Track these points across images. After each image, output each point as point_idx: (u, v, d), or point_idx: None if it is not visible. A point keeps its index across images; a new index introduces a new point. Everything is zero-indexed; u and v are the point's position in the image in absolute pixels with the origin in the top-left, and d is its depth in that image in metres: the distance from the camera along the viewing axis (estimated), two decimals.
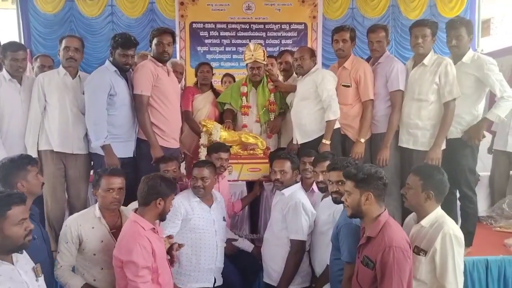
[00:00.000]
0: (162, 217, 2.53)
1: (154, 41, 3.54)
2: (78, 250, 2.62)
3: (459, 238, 2.36)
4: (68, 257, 2.59)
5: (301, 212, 2.91)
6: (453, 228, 2.37)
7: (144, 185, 2.46)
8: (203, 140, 3.90)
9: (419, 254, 2.39)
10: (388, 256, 2.11)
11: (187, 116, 4.24)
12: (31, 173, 2.41)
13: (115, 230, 2.64)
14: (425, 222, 2.43)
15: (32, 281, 1.97)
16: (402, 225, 2.60)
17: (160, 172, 3.10)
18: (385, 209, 2.32)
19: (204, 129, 3.88)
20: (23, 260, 2.02)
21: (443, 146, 3.47)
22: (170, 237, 2.75)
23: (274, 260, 3.02)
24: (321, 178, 2.95)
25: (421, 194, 2.43)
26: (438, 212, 2.45)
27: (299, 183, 3.17)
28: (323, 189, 3.02)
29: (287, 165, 3.06)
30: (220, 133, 3.85)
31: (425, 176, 2.43)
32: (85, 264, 2.62)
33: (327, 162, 2.92)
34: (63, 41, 3.46)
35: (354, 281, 2.36)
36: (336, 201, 2.67)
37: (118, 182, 2.65)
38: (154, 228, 2.47)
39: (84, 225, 2.60)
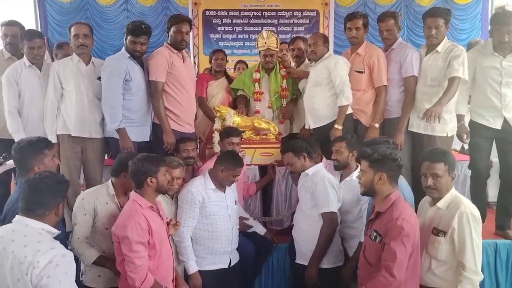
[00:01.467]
0: (161, 191, 2.60)
1: (173, 28, 3.57)
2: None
3: (476, 216, 2.42)
4: (85, 228, 2.65)
5: (327, 185, 3.00)
6: (469, 207, 2.43)
7: (130, 171, 2.54)
8: (217, 125, 3.97)
9: (438, 235, 2.45)
10: (395, 225, 2.22)
11: (201, 102, 4.32)
12: (48, 157, 2.45)
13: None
14: (441, 203, 2.49)
15: None
16: (415, 209, 2.67)
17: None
18: (396, 189, 2.40)
19: (218, 114, 3.95)
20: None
21: None
22: (177, 223, 2.83)
23: (307, 240, 3.07)
24: (335, 156, 3.16)
25: (449, 179, 2.50)
26: (453, 193, 2.52)
27: (321, 163, 3.27)
28: (338, 167, 3.21)
29: (289, 156, 3.19)
30: (233, 119, 3.91)
31: (449, 161, 2.50)
32: (95, 237, 2.68)
33: (344, 142, 3.16)
34: (72, 29, 3.51)
35: (362, 256, 2.45)
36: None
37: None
38: (152, 206, 2.55)
39: (100, 200, 2.69)
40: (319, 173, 3.10)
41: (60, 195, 1.99)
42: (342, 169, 3.24)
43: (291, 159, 3.18)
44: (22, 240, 1.83)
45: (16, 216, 1.92)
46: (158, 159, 2.61)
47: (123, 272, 2.44)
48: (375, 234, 2.33)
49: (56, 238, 1.97)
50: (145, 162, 2.52)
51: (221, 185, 3.07)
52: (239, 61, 5.49)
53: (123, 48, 3.55)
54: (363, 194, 2.46)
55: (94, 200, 2.67)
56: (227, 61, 4.72)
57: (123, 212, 2.52)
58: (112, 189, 2.73)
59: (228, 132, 3.55)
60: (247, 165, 3.85)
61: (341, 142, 3.24)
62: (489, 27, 3.58)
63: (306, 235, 3.09)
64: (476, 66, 3.55)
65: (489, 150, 3.67)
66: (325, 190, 2.99)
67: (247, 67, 5.09)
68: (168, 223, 2.75)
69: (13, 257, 1.80)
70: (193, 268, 2.93)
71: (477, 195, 3.65)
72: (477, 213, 2.45)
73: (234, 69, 5.36)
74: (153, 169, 2.52)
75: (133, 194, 2.56)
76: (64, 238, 2.50)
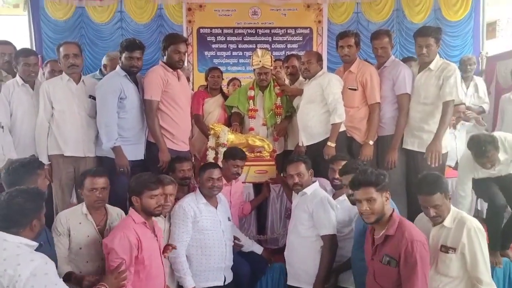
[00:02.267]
0: (147, 212, 2.62)
1: (171, 48, 3.57)
2: None
3: (482, 230, 2.49)
4: (61, 249, 2.65)
5: (329, 207, 2.97)
6: (474, 222, 2.50)
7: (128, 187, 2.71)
8: (211, 142, 3.98)
9: (448, 252, 2.48)
10: (411, 250, 2.19)
11: (197, 120, 4.34)
12: (41, 177, 2.50)
13: (101, 226, 2.81)
14: (448, 223, 2.53)
15: None
16: None
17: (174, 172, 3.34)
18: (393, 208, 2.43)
19: (212, 132, 3.96)
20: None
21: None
22: (173, 247, 2.89)
23: (303, 261, 3.03)
24: (337, 175, 3.06)
25: (447, 202, 2.55)
26: (453, 210, 2.58)
27: (317, 182, 3.22)
28: (338, 186, 3.15)
29: (302, 166, 3.11)
30: (228, 136, 3.92)
31: (444, 187, 2.54)
32: (71, 257, 2.71)
33: (344, 162, 3.09)
34: (61, 49, 3.49)
35: (371, 281, 2.41)
36: (353, 203, 2.71)
37: (101, 182, 2.78)
38: (145, 223, 2.62)
39: (72, 220, 2.73)
40: (318, 193, 3.07)
41: (33, 212, 2.00)
42: (340, 188, 3.19)
43: (302, 170, 3.10)
44: (1, 254, 1.85)
45: None
46: (145, 181, 2.64)
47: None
48: (388, 259, 2.29)
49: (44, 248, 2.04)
50: (135, 181, 2.66)
51: (211, 196, 3.09)
52: (233, 78, 5.51)
53: (118, 67, 3.57)
54: (375, 222, 2.34)
55: (66, 221, 2.71)
56: (222, 79, 4.75)
57: (117, 225, 2.68)
58: (86, 208, 2.78)
59: (234, 154, 3.52)
60: (243, 183, 3.85)
61: (343, 160, 3.18)
62: None
63: (300, 257, 3.05)
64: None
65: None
66: (326, 212, 2.95)
67: (241, 84, 5.12)
68: (166, 248, 2.81)
69: None
70: (190, 284, 2.91)
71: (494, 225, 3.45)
72: (481, 227, 2.52)
73: (228, 85, 5.39)
74: (138, 189, 2.62)
75: (130, 209, 2.67)
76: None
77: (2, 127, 3.39)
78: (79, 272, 2.66)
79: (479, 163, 3.25)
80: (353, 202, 2.73)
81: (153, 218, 2.75)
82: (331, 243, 2.95)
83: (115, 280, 2.35)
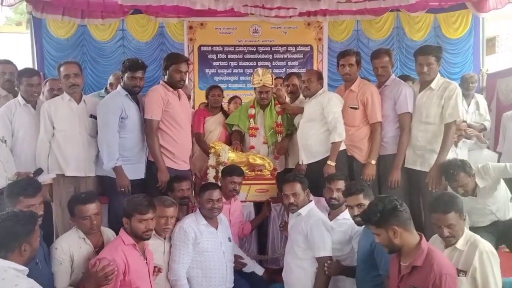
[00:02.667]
0: (136, 236, 2.63)
1: (172, 67, 3.59)
2: None
3: (494, 253, 2.44)
4: (63, 278, 2.59)
5: (323, 229, 2.93)
6: (487, 245, 2.45)
7: None
8: (211, 161, 3.97)
9: (458, 275, 2.40)
10: (440, 285, 2.11)
11: (198, 138, 4.35)
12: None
13: (98, 248, 2.73)
14: (460, 245, 2.49)
15: None
16: None
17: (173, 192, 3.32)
18: (420, 235, 2.30)
19: (213, 150, 3.95)
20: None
21: None
22: (159, 270, 2.86)
23: (300, 283, 2.99)
24: (335, 195, 3.09)
25: (462, 222, 2.51)
26: (467, 232, 2.54)
27: (313, 201, 3.18)
28: (335, 206, 3.14)
29: (298, 186, 3.08)
30: (228, 155, 3.92)
31: (459, 207, 2.50)
32: (73, 281, 2.63)
33: (344, 181, 3.14)
34: (61, 69, 3.50)
35: None
36: (360, 224, 2.77)
37: (92, 208, 2.66)
38: (135, 245, 2.63)
39: (73, 246, 2.64)
40: (313, 214, 3.03)
41: (22, 236, 1.98)
42: (338, 207, 3.19)
43: (298, 189, 3.07)
44: None
45: None
46: (136, 205, 2.64)
47: None
48: None
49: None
50: (127, 202, 2.68)
51: (211, 218, 3.07)
52: (234, 97, 5.53)
53: (119, 86, 3.58)
54: (390, 253, 2.35)
55: (68, 248, 2.62)
56: (223, 97, 4.76)
57: (106, 246, 2.67)
58: (82, 232, 2.70)
59: (231, 170, 3.54)
60: (241, 201, 3.83)
61: (340, 180, 3.20)
62: None
63: (298, 278, 3.01)
64: None
65: None
66: (321, 234, 2.92)
67: (242, 102, 5.13)
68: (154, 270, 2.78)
69: None
70: None
71: None
72: (494, 250, 2.47)
73: (229, 103, 5.40)
74: (129, 212, 2.63)
75: (121, 229, 2.68)
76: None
77: (5, 141, 3.35)
78: None
79: (452, 188, 3.30)
80: (359, 224, 2.77)
81: (145, 242, 2.73)
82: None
83: (100, 273, 2.37)
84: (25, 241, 1.98)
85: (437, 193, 2.67)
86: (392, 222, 2.22)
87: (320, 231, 2.92)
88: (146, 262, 2.68)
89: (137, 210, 2.61)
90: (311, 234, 2.93)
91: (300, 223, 3.02)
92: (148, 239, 2.72)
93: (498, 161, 4.68)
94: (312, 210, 3.07)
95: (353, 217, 2.84)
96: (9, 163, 3.23)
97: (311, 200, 3.17)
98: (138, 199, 2.68)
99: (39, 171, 3.30)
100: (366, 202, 2.64)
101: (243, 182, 3.78)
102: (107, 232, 2.89)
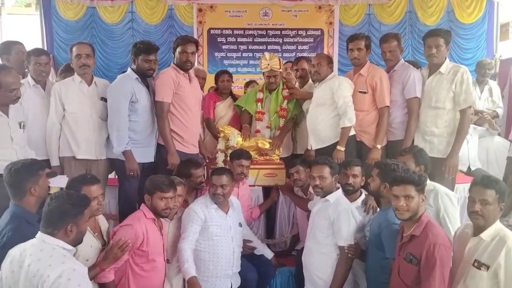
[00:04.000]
0: (155, 213, 2.76)
1: (178, 49, 3.59)
2: None
3: None
4: None
5: (351, 218, 2.89)
6: None
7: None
8: (220, 145, 3.98)
9: (480, 269, 2.29)
10: (432, 252, 2.27)
11: (208, 124, 4.37)
12: (42, 177, 2.47)
13: (97, 233, 2.68)
14: (485, 235, 2.33)
15: None
16: None
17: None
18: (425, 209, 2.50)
19: (222, 134, 3.97)
20: None
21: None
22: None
23: (320, 268, 2.96)
24: (351, 180, 3.12)
25: (497, 209, 2.34)
26: (498, 225, 2.36)
27: (340, 189, 3.12)
28: (350, 192, 3.16)
29: (326, 170, 2.98)
30: (237, 139, 3.94)
31: (501, 190, 2.35)
32: None
33: (360, 167, 3.17)
34: (74, 49, 3.48)
35: (396, 277, 2.49)
36: (349, 193, 3.02)
37: (94, 189, 2.59)
38: (154, 220, 2.76)
39: None
40: (341, 202, 2.96)
41: (69, 216, 2.00)
42: (353, 193, 3.17)
43: (326, 173, 2.97)
44: (37, 254, 1.91)
45: (39, 231, 1.99)
46: (159, 183, 2.76)
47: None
48: (411, 257, 2.38)
49: None
50: (150, 180, 2.80)
51: (217, 202, 3.08)
52: (251, 81, 5.49)
53: (129, 69, 3.56)
54: (408, 219, 2.43)
55: None
56: (232, 82, 4.73)
57: (128, 217, 2.79)
58: None
59: (239, 154, 3.55)
60: (250, 186, 3.84)
61: (357, 166, 3.17)
62: None
63: (318, 263, 2.97)
64: None
65: None
66: (348, 223, 2.86)
67: None
68: None
69: (28, 270, 1.87)
70: (190, 273, 2.82)
71: None
72: None
73: (245, 87, 5.34)
74: (151, 189, 2.75)
75: (142, 204, 2.81)
76: None
77: (24, 126, 3.27)
78: None
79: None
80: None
81: (162, 220, 2.87)
82: (347, 254, 2.87)
83: (117, 250, 2.48)
84: (72, 222, 2.00)
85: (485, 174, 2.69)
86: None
87: (347, 220, 2.87)
88: (162, 238, 2.82)
89: (159, 188, 2.73)
90: (338, 222, 2.87)
91: (327, 209, 2.96)
92: (166, 216, 2.85)
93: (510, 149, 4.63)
94: (340, 198, 3.01)
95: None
96: (24, 149, 3.18)
97: (338, 187, 3.10)
98: (161, 178, 2.80)
99: (53, 174, 3.15)
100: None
101: (252, 166, 3.79)
102: (101, 218, 2.81)
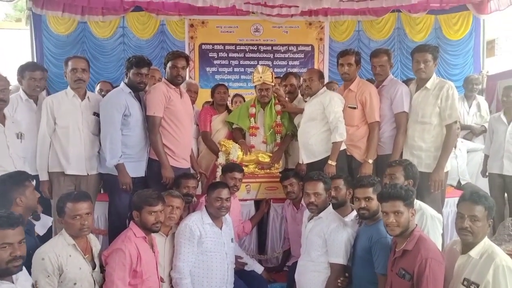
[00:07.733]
0: (146, 228, 2.70)
1: (169, 64, 3.61)
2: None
3: None
4: None
5: (344, 235, 2.86)
6: (505, 259, 2.25)
7: None
8: (221, 159, 4.00)
9: (470, 287, 2.27)
10: (425, 268, 2.27)
11: (205, 137, 4.36)
12: (29, 189, 2.47)
13: (88, 255, 2.58)
14: (474, 253, 2.31)
15: None
16: None
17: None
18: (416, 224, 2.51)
19: (223, 148, 4.01)
20: (23, 277, 2.10)
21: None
22: (162, 280, 2.90)
23: (313, 286, 2.94)
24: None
25: (486, 225, 2.33)
26: (486, 242, 2.34)
27: (330, 205, 3.09)
28: (336, 205, 3.13)
29: (321, 186, 2.97)
30: (238, 153, 3.99)
31: (490, 206, 2.33)
32: None
33: (342, 179, 3.16)
34: (69, 63, 3.46)
35: None
36: (364, 217, 2.80)
37: (84, 207, 2.50)
38: (145, 237, 2.70)
39: (62, 255, 2.42)
40: (334, 218, 2.95)
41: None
42: (339, 207, 3.17)
43: (321, 190, 2.97)
44: None
45: None
46: (146, 197, 2.70)
47: None
48: (403, 272, 2.38)
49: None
50: (137, 195, 2.74)
51: (217, 217, 3.06)
52: (236, 95, 5.52)
53: (122, 84, 3.56)
54: (398, 235, 2.42)
55: (56, 258, 2.39)
56: (228, 95, 4.76)
57: (118, 237, 2.68)
58: (70, 238, 2.49)
59: (231, 167, 3.58)
60: (251, 199, 3.86)
61: (339, 179, 3.21)
62: None
63: (312, 282, 2.94)
64: None
65: None
66: (341, 241, 2.84)
67: (244, 101, 5.12)
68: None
69: None
70: None
71: None
72: None
73: (231, 102, 5.39)
74: (139, 204, 2.69)
75: (131, 222, 2.73)
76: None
77: (22, 136, 3.27)
78: None
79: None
80: (363, 217, 2.82)
81: (152, 234, 2.81)
82: (338, 272, 2.85)
83: None
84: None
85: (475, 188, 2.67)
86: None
87: (342, 238, 2.84)
88: (154, 255, 2.76)
89: (147, 202, 2.67)
90: (331, 238, 2.86)
91: (319, 226, 2.94)
92: (157, 231, 2.79)
93: (484, 164, 4.66)
94: (332, 214, 2.99)
95: (359, 209, 2.78)
96: (22, 160, 3.20)
97: (330, 203, 3.09)
98: (148, 192, 2.75)
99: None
100: (374, 197, 2.70)
101: (254, 180, 3.81)
102: (93, 238, 2.73)
